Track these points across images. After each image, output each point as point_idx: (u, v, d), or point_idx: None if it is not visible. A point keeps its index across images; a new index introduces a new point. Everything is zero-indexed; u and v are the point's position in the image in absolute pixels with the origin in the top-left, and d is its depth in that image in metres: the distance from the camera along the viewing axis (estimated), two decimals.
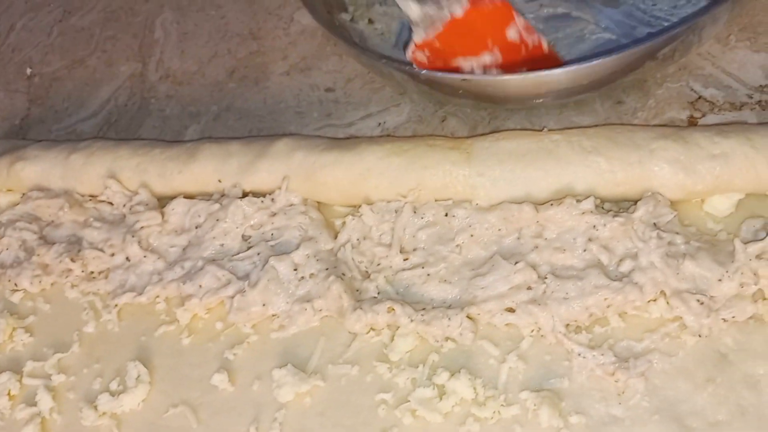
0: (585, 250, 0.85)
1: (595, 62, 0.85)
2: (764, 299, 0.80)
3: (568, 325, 0.83)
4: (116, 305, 0.98)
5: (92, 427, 0.90)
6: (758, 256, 0.79)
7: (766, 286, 0.79)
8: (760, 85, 0.95)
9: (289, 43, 1.19)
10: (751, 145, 0.82)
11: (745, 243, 0.81)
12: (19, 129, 1.24)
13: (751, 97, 0.94)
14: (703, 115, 0.95)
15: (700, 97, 0.96)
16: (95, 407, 0.90)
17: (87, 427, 0.90)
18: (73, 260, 1.00)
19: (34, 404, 0.92)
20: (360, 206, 0.94)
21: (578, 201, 0.86)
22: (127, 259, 1.00)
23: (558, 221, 0.87)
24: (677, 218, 0.85)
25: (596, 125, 0.92)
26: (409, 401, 0.82)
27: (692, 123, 0.94)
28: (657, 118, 0.96)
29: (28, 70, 1.31)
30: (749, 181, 0.83)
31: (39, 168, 1.08)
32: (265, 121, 1.12)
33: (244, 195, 0.99)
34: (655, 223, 0.84)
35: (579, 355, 0.81)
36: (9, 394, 0.94)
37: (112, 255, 1.01)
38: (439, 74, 0.90)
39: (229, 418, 0.87)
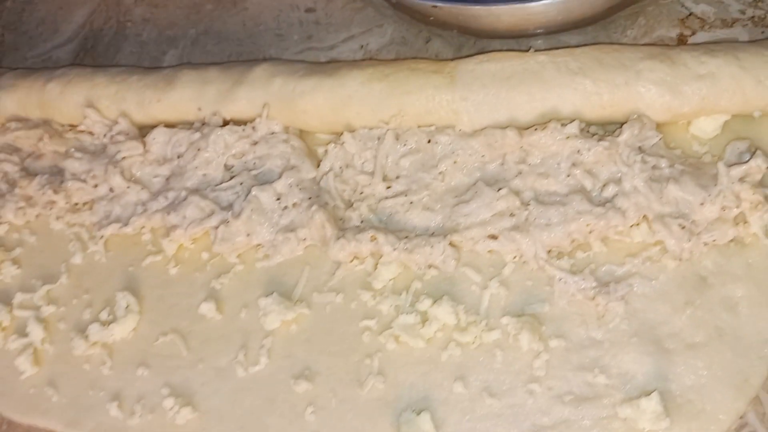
0: (569, 176, 0.84)
1: None
2: (745, 222, 0.79)
3: (550, 251, 0.83)
4: (102, 236, 0.98)
5: (84, 356, 0.92)
6: (741, 179, 0.78)
7: (748, 209, 0.79)
8: (753, 0, 0.92)
9: None
10: (739, 65, 0.80)
11: (729, 166, 0.80)
12: None
13: (744, 13, 0.91)
14: (693, 33, 0.92)
15: (690, 14, 0.93)
16: (86, 337, 0.92)
17: (79, 356, 0.92)
18: (56, 192, 1.00)
19: (26, 335, 0.94)
20: (342, 134, 0.92)
21: (563, 125, 0.84)
22: (111, 190, 0.99)
23: (542, 146, 0.85)
24: (662, 141, 0.84)
25: (584, 45, 0.89)
26: (392, 327, 0.84)
27: (682, 41, 0.91)
28: (646, 36, 0.93)
29: None
30: (736, 102, 0.81)
31: (15, 97, 1.06)
32: (245, 44, 1.09)
33: (225, 123, 0.97)
34: (640, 147, 0.83)
35: (560, 280, 0.81)
36: (0, 325, 0.96)
37: (95, 186, 1.00)
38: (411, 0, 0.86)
39: (218, 345, 0.89)
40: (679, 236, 0.79)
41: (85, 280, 0.97)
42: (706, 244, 0.80)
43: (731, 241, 0.80)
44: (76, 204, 1.01)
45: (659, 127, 0.85)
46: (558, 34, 0.94)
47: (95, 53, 1.15)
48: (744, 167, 0.78)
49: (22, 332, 0.95)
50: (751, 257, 0.79)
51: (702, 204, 0.79)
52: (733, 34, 0.91)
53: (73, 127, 1.05)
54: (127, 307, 0.92)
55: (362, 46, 1.03)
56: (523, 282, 0.84)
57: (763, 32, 0.90)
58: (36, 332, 0.94)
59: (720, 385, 0.75)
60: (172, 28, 1.13)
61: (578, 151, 0.84)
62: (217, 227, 0.92)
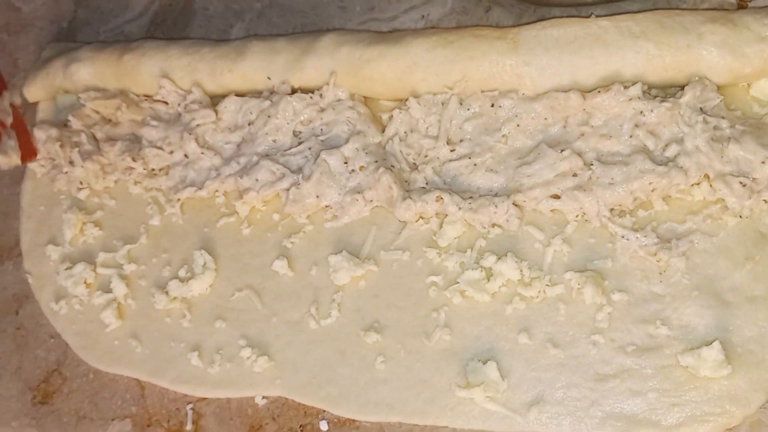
0: (631, 136, 0.87)
1: None
2: None
3: (612, 209, 0.86)
4: (178, 199, 1.03)
5: (165, 311, 0.98)
6: None
7: None
8: None
9: None
10: None
11: None
12: (68, 32, 1.26)
13: None
14: None
15: None
16: (166, 292, 0.98)
17: (160, 311, 0.98)
18: (134, 159, 1.05)
19: (110, 291, 1.01)
20: (407, 100, 0.96)
21: (625, 87, 0.87)
22: (186, 156, 1.05)
23: (605, 108, 0.88)
24: (723, 102, 0.86)
25: (645, 10, 0.91)
26: (458, 283, 0.88)
27: (741, 6, 0.92)
28: (706, 2, 0.94)
29: None
30: None
31: (93, 69, 1.11)
32: (308, 16, 1.12)
33: (293, 91, 1.02)
34: (701, 108, 0.85)
35: (622, 237, 0.84)
36: (86, 282, 1.02)
37: (171, 152, 1.05)
38: None
39: (291, 300, 0.94)
40: (740, 194, 0.81)
41: (163, 240, 1.03)
42: (766, 201, 0.82)
43: None
44: (153, 170, 1.07)
45: (719, 89, 0.87)
46: (618, 2, 0.96)
47: (165, 27, 1.20)
48: None
49: (106, 289, 1.01)
50: None
51: (763, 162, 0.81)
52: None
53: (148, 97, 1.10)
54: (204, 264, 0.98)
55: (423, 16, 1.06)
56: (585, 239, 0.87)
57: None
58: (119, 288, 1.00)
59: None
60: (238, 1, 1.17)
61: (641, 112, 0.86)
62: (288, 189, 0.96)
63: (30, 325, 1.05)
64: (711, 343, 0.77)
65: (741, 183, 0.81)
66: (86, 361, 1.00)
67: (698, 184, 0.84)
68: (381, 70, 0.96)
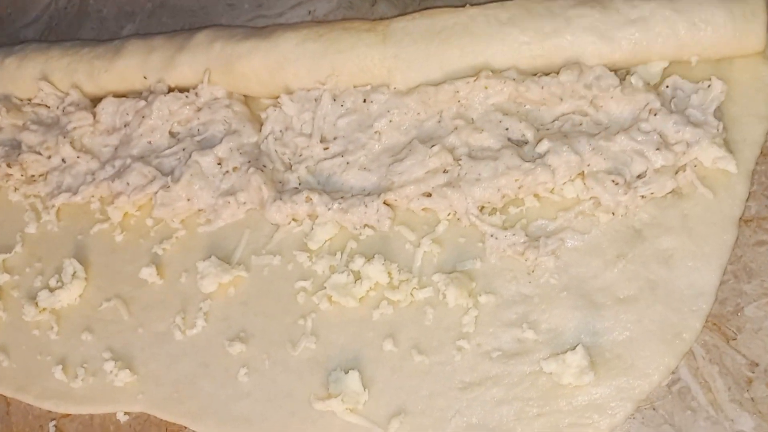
0: (507, 129, 0.81)
1: None
2: (683, 170, 0.76)
3: (482, 207, 0.81)
4: (54, 206, 0.99)
5: (34, 322, 0.93)
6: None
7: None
8: None
9: None
10: (672, 8, 0.77)
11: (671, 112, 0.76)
12: None
13: None
14: None
15: None
16: (36, 303, 0.93)
17: (29, 323, 0.93)
18: (9, 165, 1.01)
19: None
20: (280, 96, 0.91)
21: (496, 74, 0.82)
22: (63, 160, 1.00)
23: (478, 99, 0.83)
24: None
25: None
26: (325, 287, 0.83)
27: None
28: None
29: None
30: (670, 46, 0.78)
31: None
32: (198, 15, 1.09)
33: (171, 91, 0.98)
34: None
35: (491, 236, 0.79)
36: None
37: (49, 157, 1.01)
38: None
39: (158, 310, 0.89)
40: (613, 191, 0.76)
41: (37, 248, 0.98)
42: (643, 197, 0.77)
43: (669, 193, 0.77)
44: (33, 175, 1.03)
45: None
46: None
47: (59, 31, 1.17)
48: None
49: None
50: (687, 208, 0.76)
51: (641, 156, 0.76)
52: None
53: (30, 100, 1.06)
54: (73, 273, 0.93)
55: (310, 12, 1.02)
56: (455, 239, 0.82)
57: None
58: None
59: (650, 340, 0.72)
60: (131, 3, 1.14)
61: (517, 98, 0.81)
62: (157, 193, 0.92)
63: None
64: (575, 348, 0.71)
65: (614, 181, 0.76)
66: None
67: (571, 180, 0.79)
68: (253, 66, 0.92)
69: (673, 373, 0.71)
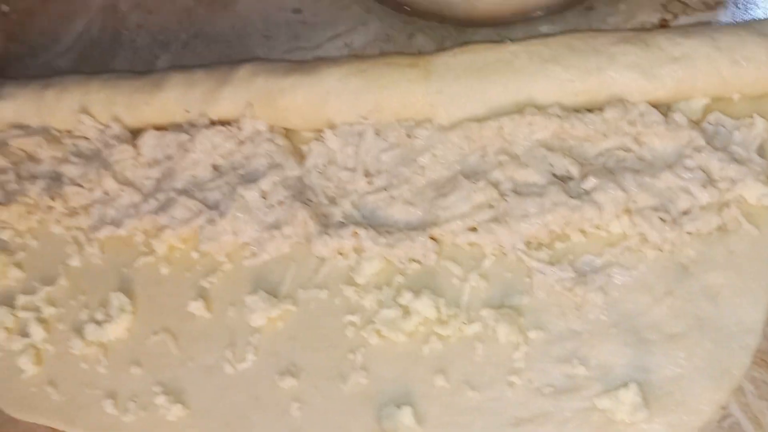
0: (552, 165, 0.83)
1: None
2: (727, 206, 0.78)
3: (529, 242, 0.82)
4: (98, 239, 1.00)
5: (81, 356, 0.95)
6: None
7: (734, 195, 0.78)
8: None
9: None
10: (714, 45, 0.79)
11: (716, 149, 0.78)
12: None
13: None
14: (675, 17, 0.90)
15: None
16: (83, 336, 0.94)
17: (77, 356, 0.95)
18: (53, 198, 1.02)
19: (27, 335, 0.97)
20: (324, 131, 0.93)
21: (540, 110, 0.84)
22: (106, 193, 1.02)
23: (522, 135, 0.85)
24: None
25: (562, 33, 0.88)
26: (374, 322, 0.84)
27: (664, 26, 0.89)
28: (628, 22, 0.92)
29: (5, 8, 1.30)
30: (713, 83, 0.80)
31: (15, 106, 1.08)
32: (234, 46, 1.10)
33: (213, 124, 0.99)
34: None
35: (539, 271, 0.81)
36: (5, 327, 0.99)
37: (91, 190, 1.02)
38: None
39: (207, 343, 0.91)
40: (659, 228, 0.77)
41: (81, 281, 1.00)
42: (689, 233, 0.78)
43: (714, 229, 0.78)
44: (75, 208, 1.04)
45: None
46: (537, 24, 0.93)
47: (93, 60, 1.18)
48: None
49: (24, 333, 0.98)
50: (733, 244, 0.77)
51: (686, 192, 0.78)
52: (716, 17, 0.89)
53: (70, 132, 1.08)
54: (120, 307, 0.95)
55: (347, 44, 1.04)
56: (502, 274, 0.83)
57: (745, 14, 0.87)
58: (37, 333, 0.97)
59: (700, 376, 0.73)
60: (165, 33, 1.16)
61: (561, 134, 0.83)
62: (203, 226, 0.93)
63: None
64: (628, 385, 0.73)
65: (660, 218, 0.77)
66: (2, 409, 0.96)
67: (618, 217, 0.80)
68: (296, 101, 0.93)
69: (723, 408, 0.73)
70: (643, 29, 0.90)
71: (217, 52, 1.11)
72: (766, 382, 0.73)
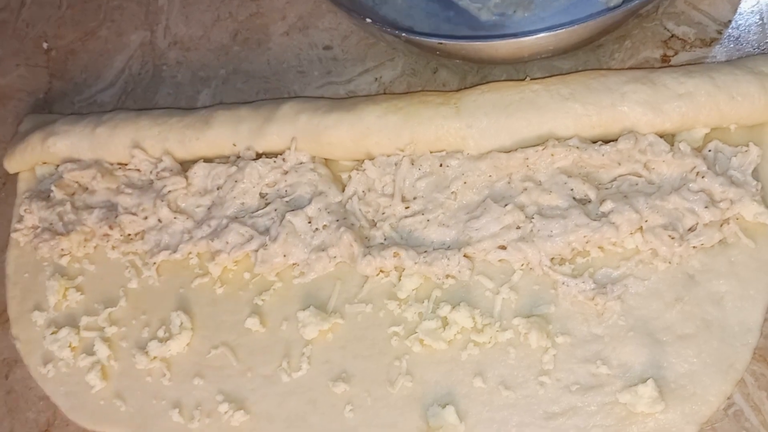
0: (572, 189, 0.94)
1: (578, 26, 0.91)
2: (727, 223, 0.89)
3: (553, 258, 0.93)
4: (154, 263, 1.10)
5: (146, 370, 1.04)
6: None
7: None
8: (729, 20, 1.00)
9: (286, 2, 1.25)
10: (713, 84, 0.90)
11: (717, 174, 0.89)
12: (44, 102, 1.32)
13: (720, 33, 1.00)
14: (676, 53, 1.01)
15: (672, 36, 1.02)
16: (147, 353, 1.04)
17: (141, 370, 1.04)
18: (111, 227, 1.11)
19: (93, 353, 1.06)
20: (363, 161, 1.03)
21: (560, 142, 0.94)
22: (159, 220, 1.11)
23: (545, 164, 0.95)
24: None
25: (574, 71, 0.99)
26: (417, 332, 0.95)
27: (665, 61, 1.00)
28: (633, 58, 1.02)
29: (45, 45, 1.37)
30: (713, 116, 0.91)
31: (69, 142, 1.17)
32: (270, 81, 1.19)
33: (258, 156, 1.09)
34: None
35: (563, 284, 0.92)
36: (71, 346, 1.08)
37: (146, 218, 1.11)
38: (417, 37, 0.97)
39: (263, 355, 1.00)
40: (669, 244, 0.88)
41: (141, 302, 1.09)
42: (695, 247, 0.89)
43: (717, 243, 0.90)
44: (129, 235, 1.13)
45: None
46: (551, 60, 1.04)
47: (135, 95, 1.27)
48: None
49: (89, 351, 1.07)
50: (733, 255, 0.89)
51: (691, 212, 0.89)
52: (712, 52, 1.00)
53: (122, 165, 1.17)
54: (180, 324, 1.04)
55: (376, 79, 1.14)
56: (530, 287, 0.94)
57: (738, 49, 0.99)
58: (102, 350, 1.06)
59: (709, 371, 0.84)
60: (204, 69, 1.24)
61: (580, 162, 0.93)
62: (256, 250, 1.03)
63: (20, 389, 1.10)
64: (646, 381, 0.84)
65: (670, 236, 0.88)
66: (75, 422, 1.05)
67: (631, 234, 0.91)
68: (339, 136, 1.03)
69: (728, 398, 0.84)
70: (647, 65, 1.01)
71: (255, 86, 1.20)
72: (764, 375, 0.84)
